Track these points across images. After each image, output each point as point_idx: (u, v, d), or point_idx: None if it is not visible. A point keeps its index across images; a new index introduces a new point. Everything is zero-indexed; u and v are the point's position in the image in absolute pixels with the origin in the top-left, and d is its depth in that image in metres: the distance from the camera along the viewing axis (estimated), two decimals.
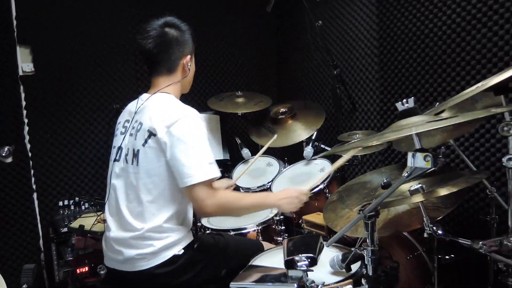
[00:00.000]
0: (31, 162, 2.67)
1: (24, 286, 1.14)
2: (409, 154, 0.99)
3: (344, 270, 1.37)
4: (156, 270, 1.47)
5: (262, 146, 2.34)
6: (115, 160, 1.61)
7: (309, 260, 1.23)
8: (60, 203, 2.63)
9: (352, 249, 1.23)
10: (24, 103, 2.64)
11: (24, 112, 2.64)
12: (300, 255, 1.23)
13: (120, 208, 1.53)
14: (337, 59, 2.87)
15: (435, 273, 1.65)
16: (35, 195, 2.69)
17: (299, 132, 2.56)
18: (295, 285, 1.22)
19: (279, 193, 1.70)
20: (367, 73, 2.73)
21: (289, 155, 2.76)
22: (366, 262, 1.17)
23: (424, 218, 1.35)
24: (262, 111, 2.76)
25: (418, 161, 0.97)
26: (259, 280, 1.30)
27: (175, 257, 1.50)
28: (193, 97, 3.17)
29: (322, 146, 2.52)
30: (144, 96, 1.62)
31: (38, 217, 2.70)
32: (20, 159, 2.62)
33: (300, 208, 1.67)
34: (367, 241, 1.16)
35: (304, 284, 1.23)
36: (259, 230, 2.03)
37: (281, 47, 3.61)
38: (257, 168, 2.61)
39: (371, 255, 1.15)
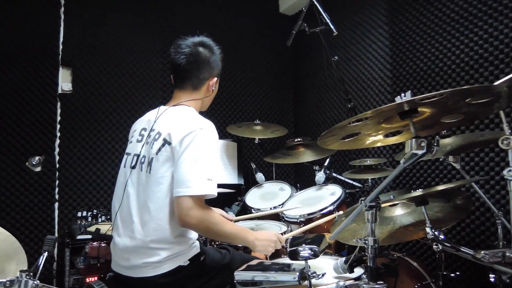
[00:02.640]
0: (57, 173, 2.83)
1: (45, 253, 1.23)
2: (407, 142, 1.08)
3: (347, 272, 1.40)
4: (159, 279, 1.48)
5: (275, 168, 2.40)
6: (132, 167, 1.61)
7: (311, 251, 1.28)
8: (79, 214, 2.74)
9: (356, 240, 1.28)
10: (59, 118, 2.87)
11: (58, 126, 2.86)
12: (303, 245, 1.29)
13: (131, 216, 1.54)
14: (351, 94, 3.03)
15: None
16: (56, 205, 2.82)
17: (308, 157, 2.66)
18: (297, 273, 1.26)
19: (259, 233, 1.65)
20: None
21: (302, 181, 2.84)
22: (366, 253, 1.22)
23: (427, 222, 1.39)
24: (278, 142, 2.87)
25: (414, 146, 1.06)
26: (263, 269, 1.34)
27: (180, 268, 1.51)
28: (215, 124, 3.36)
29: (334, 174, 2.61)
30: (163, 107, 1.67)
31: (57, 227, 2.81)
32: (48, 169, 2.79)
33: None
34: (369, 231, 1.21)
35: (306, 274, 1.27)
36: None
37: (298, 81, 3.84)
38: (270, 192, 2.68)
39: (372, 244, 1.19)
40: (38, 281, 1.08)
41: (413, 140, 1.06)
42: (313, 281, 1.28)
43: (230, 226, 1.59)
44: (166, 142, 1.53)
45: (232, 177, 2.94)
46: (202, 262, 1.60)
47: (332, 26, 2.35)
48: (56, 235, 2.80)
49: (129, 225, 1.55)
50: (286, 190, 2.65)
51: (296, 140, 2.81)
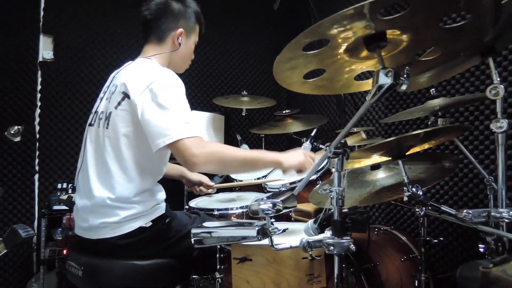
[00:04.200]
0: (37, 144, 2.75)
1: None
2: (373, 77, 0.96)
3: (317, 233, 1.29)
4: (118, 240, 1.39)
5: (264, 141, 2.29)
6: (89, 124, 1.55)
7: (273, 205, 1.17)
8: (59, 186, 2.66)
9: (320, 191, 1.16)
10: (39, 87, 2.78)
11: (38, 95, 2.78)
12: (264, 198, 1.17)
13: (88, 175, 1.45)
14: None
15: (422, 259, 1.53)
16: (36, 176, 2.74)
17: (296, 128, 2.56)
18: (256, 228, 1.15)
19: (281, 153, 1.49)
20: None
21: None
22: (331, 204, 1.09)
23: (404, 177, 1.26)
24: (267, 114, 2.76)
25: (380, 78, 0.93)
26: (222, 226, 1.23)
27: (140, 229, 1.42)
28: (200, 97, 3.26)
29: (321, 146, 2.49)
30: (128, 62, 1.61)
31: (37, 199, 2.73)
32: (28, 139, 2.70)
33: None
34: (334, 180, 1.09)
35: (267, 229, 1.16)
36: (246, 213, 1.95)
37: None
38: None
39: (336, 195, 1.07)
40: None
41: (380, 71, 0.93)
42: (276, 239, 1.17)
43: (243, 151, 1.52)
44: (126, 95, 1.42)
45: None
46: (167, 224, 1.49)
47: None
48: (37, 207, 2.73)
49: (88, 184, 1.45)
50: None
51: (284, 112, 2.70)
